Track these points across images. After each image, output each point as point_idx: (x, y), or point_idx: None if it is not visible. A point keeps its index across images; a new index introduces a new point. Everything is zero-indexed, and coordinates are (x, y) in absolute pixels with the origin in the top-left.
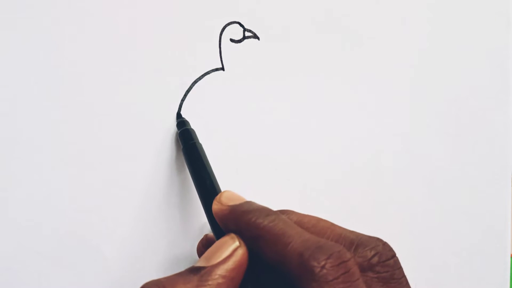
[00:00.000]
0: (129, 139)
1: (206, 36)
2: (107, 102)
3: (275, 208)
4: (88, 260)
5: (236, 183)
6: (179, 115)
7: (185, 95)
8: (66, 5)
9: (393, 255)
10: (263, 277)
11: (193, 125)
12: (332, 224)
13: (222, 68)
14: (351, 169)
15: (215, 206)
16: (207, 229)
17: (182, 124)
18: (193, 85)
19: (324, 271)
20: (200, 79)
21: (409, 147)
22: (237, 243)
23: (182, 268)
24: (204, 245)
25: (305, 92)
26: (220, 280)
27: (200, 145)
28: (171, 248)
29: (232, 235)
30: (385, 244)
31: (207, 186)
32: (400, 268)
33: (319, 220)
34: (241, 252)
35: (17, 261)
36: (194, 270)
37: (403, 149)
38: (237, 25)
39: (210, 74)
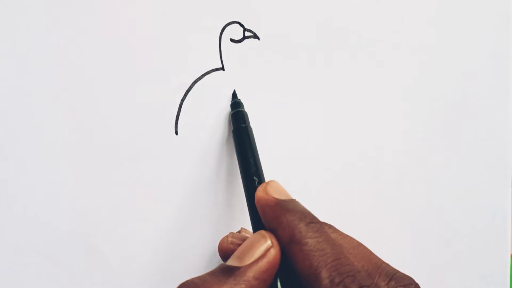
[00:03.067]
0: (129, 138)
1: (206, 36)
2: (107, 102)
3: None
4: (88, 260)
5: (236, 183)
6: (234, 95)
7: (185, 95)
8: (66, 5)
9: None
10: (292, 278)
11: (193, 125)
12: (371, 252)
13: (222, 68)
14: (352, 168)
15: (260, 193)
16: (203, 232)
17: (236, 105)
18: (193, 85)
19: None
20: (200, 79)
21: (409, 147)
22: (269, 243)
23: (180, 270)
24: (228, 243)
25: (305, 91)
26: (253, 282)
27: (251, 129)
28: (170, 247)
29: (264, 233)
30: (417, 285)
31: (252, 172)
32: None
33: (359, 244)
34: (274, 253)
35: (17, 261)
36: (227, 270)
37: (403, 149)
38: (237, 25)
39: (210, 74)
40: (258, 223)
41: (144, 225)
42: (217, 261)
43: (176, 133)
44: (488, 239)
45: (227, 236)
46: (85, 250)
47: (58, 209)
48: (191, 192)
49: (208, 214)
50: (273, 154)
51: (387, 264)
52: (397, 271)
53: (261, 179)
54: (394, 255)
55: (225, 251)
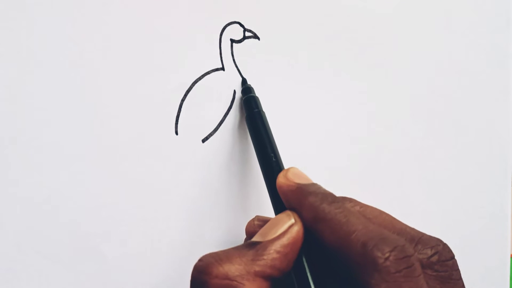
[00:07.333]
0: (129, 138)
1: (206, 36)
2: (106, 102)
3: None
4: (88, 260)
5: (236, 182)
6: (244, 81)
7: (185, 95)
8: (66, 5)
9: (452, 257)
10: (319, 257)
11: (193, 124)
12: (394, 218)
13: (222, 68)
14: (351, 169)
15: (281, 179)
16: (203, 232)
17: (247, 90)
18: (193, 85)
19: (388, 263)
20: (200, 79)
21: (409, 146)
22: (292, 220)
23: (180, 269)
24: (255, 225)
25: (305, 91)
26: (274, 255)
27: (264, 113)
28: (170, 248)
29: (288, 212)
30: (445, 245)
31: (272, 159)
32: (458, 270)
33: (381, 212)
34: (297, 229)
35: (17, 261)
36: (250, 245)
37: (403, 149)
38: (237, 25)
39: (210, 74)
40: (280, 208)
41: (144, 225)
42: None
43: (176, 133)
44: (488, 239)
45: (253, 219)
46: (85, 250)
47: (58, 209)
48: (191, 192)
49: (209, 214)
50: None
51: (412, 228)
52: (423, 234)
53: (278, 161)
54: None
55: (251, 234)
